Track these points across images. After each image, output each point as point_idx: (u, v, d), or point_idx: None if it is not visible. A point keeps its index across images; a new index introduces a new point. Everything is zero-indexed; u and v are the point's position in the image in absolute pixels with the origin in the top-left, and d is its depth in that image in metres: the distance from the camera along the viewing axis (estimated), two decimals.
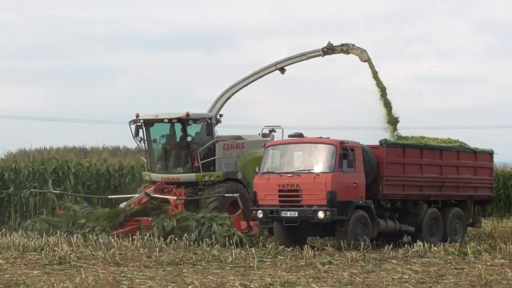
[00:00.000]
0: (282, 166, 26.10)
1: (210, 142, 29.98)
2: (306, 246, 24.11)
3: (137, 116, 29.70)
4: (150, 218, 27.93)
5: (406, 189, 27.21)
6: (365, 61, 33.61)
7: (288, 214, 25.20)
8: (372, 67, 33.53)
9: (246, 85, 34.05)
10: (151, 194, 29.03)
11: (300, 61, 34.35)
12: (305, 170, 25.46)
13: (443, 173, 28.25)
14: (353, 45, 33.60)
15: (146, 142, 30.17)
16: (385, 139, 27.58)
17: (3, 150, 43.77)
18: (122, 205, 31.20)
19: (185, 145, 29.83)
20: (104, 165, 38.60)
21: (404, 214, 27.20)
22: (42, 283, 16.40)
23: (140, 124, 29.81)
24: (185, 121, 29.53)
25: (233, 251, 23.60)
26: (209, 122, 30.18)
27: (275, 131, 32.22)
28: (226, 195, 28.40)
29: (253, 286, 16.70)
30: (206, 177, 29.56)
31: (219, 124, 31.33)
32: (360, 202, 25.36)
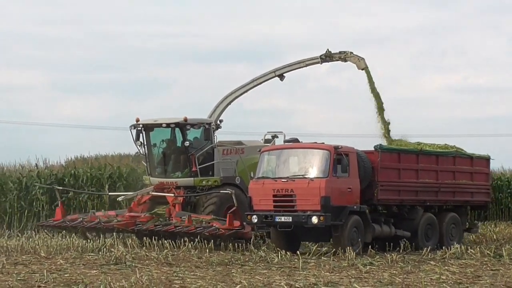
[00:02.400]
0: (277, 171, 24.95)
1: (208, 147, 28.81)
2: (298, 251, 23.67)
3: (137, 120, 28.73)
4: (146, 214, 27.32)
5: (402, 194, 26.05)
6: (362, 69, 32.13)
7: (283, 219, 24.05)
8: (369, 75, 32.29)
9: (246, 91, 32.78)
10: (151, 192, 28.35)
11: (299, 68, 32.91)
12: (299, 175, 24.36)
13: (439, 178, 27.01)
14: (351, 53, 32.22)
15: (146, 146, 29.05)
16: (380, 144, 26.38)
17: (64, 157, 44.00)
18: (119, 198, 31.26)
19: (183, 149, 28.69)
20: None
21: (400, 219, 26.08)
22: (100, 282, 16.46)
23: (140, 128, 28.70)
24: (183, 126, 28.38)
25: (279, 252, 23.57)
26: (206, 127, 28.97)
27: (277, 137, 31.10)
28: (221, 191, 27.36)
29: (298, 286, 16.64)
30: (203, 182, 28.38)
31: (219, 129, 30.43)
32: (355, 207, 24.18)
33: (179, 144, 28.63)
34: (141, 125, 28.47)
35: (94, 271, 19.72)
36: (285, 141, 26.00)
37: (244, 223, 25.46)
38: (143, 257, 22.98)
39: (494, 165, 53.70)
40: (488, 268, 20.52)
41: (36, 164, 40.57)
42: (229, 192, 26.57)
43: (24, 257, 23.21)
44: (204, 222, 25.94)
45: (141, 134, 28.53)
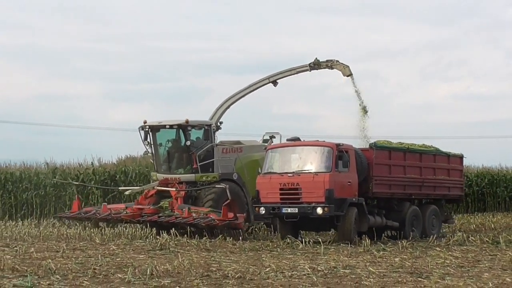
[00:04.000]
0: (282, 166, 24.34)
1: (208, 146, 28.10)
2: (300, 238, 23.73)
3: (145, 122, 28.07)
4: (151, 207, 26.99)
5: (392, 188, 25.58)
6: (347, 76, 30.80)
7: (289, 210, 23.53)
8: (353, 81, 31.14)
9: (243, 96, 31.71)
10: (156, 187, 27.96)
11: (290, 75, 31.78)
12: (304, 170, 23.81)
13: (422, 174, 26.58)
14: (337, 61, 30.96)
15: (152, 146, 28.50)
16: (375, 142, 25.64)
17: (115, 156, 44.17)
18: (126, 192, 31.08)
19: (185, 148, 28.10)
20: None
21: (389, 211, 25.58)
22: (147, 265, 16.49)
23: (147, 129, 28.10)
24: (184, 127, 27.83)
25: (303, 239, 23.54)
26: (206, 128, 28.41)
27: (274, 137, 30.43)
28: (216, 186, 26.92)
29: (320, 269, 16.60)
30: (203, 178, 27.76)
31: (219, 130, 29.90)
32: (354, 199, 23.77)
33: (181, 143, 28.16)
34: (148, 127, 28.00)
35: (142, 256, 19.78)
36: (287, 140, 25.38)
37: (238, 215, 25.06)
38: (185, 243, 23.02)
39: (493, 163, 53.54)
40: (487, 253, 20.40)
41: (92, 163, 40.76)
42: (224, 186, 26.32)
43: (81, 243, 23.32)
44: (202, 214, 25.53)
45: (148, 135, 28.10)
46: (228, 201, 25.62)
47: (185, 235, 24.68)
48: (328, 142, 24.38)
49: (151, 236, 24.66)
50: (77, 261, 18.00)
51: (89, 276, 15.39)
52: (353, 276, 15.62)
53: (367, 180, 24.45)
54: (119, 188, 34.66)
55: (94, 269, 16.38)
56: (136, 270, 16.06)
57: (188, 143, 27.68)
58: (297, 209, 23.38)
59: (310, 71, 31.36)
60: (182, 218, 25.57)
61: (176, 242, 23.18)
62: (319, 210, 22.97)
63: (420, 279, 15.06)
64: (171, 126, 27.97)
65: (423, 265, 17.39)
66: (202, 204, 26.87)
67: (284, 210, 23.51)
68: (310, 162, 23.95)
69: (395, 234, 25.92)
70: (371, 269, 16.40)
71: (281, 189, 23.74)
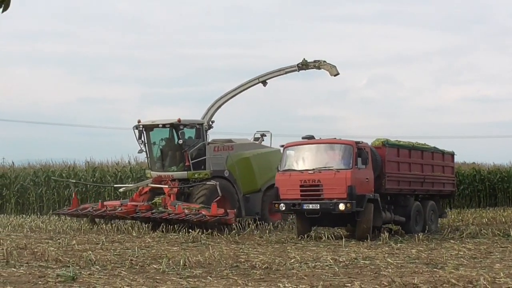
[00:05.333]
0: (302, 164, 23.15)
1: (200, 144, 27.55)
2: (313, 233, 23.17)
3: (139, 122, 27.56)
4: (145, 203, 26.45)
5: (400, 184, 24.71)
6: (334, 75, 29.88)
7: (310, 206, 22.47)
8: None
9: (234, 95, 30.65)
10: (150, 184, 27.59)
11: (279, 75, 30.61)
12: (326, 167, 22.71)
13: (423, 171, 25.79)
14: (324, 61, 29.94)
15: (146, 144, 27.84)
16: (387, 140, 24.59)
17: None
18: (120, 190, 30.91)
19: (178, 147, 27.39)
20: None
21: (396, 206, 24.70)
22: (180, 257, 16.53)
23: (141, 129, 27.47)
24: (177, 126, 27.16)
25: (325, 232, 23.48)
26: (198, 127, 27.85)
27: (265, 135, 29.96)
28: (207, 183, 26.25)
29: (341, 260, 16.55)
30: (195, 175, 27.20)
31: (211, 129, 29.30)
32: (371, 195, 22.84)
33: (174, 142, 27.54)
34: (142, 126, 27.46)
35: (176, 248, 19.83)
36: (302, 138, 24.29)
37: (228, 211, 24.66)
38: (215, 236, 23.05)
39: (503, 161, 53.20)
40: (498, 246, 20.22)
41: (129, 161, 40.96)
42: (214, 183, 25.75)
43: (119, 236, 23.43)
44: (193, 210, 24.91)
45: (142, 134, 27.51)
46: (219, 197, 25.06)
47: (215, 229, 24.73)
48: (348, 139, 23.79)
49: (184, 230, 24.71)
50: (115, 253, 18.09)
51: (127, 267, 15.44)
52: (373, 266, 15.57)
53: (379, 177, 23.78)
54: (114, 185, 34.52)
55: (131, 260, 16.45)
56: (170, 261, 16.11)
57: (181, 141, 27.00)
58: (318, 205, 22.46)
59: (298, 71, 30.41)
60: (174, 214, 24.97)
61: (207, 235, 23.22)
62: (341, 206, 22.11)
63: (435, 269, 14.98)
64: (164, 125, 27.36)
65: (438, 256, 17.29)
66: (194, 200, 26.24)
67: (305, 206, 22.58)
68: (331, 159, 23.07)
69: (398, 229, 25.14)
70: (389, 260, 16.34)
71: (301, 186, 22.78)
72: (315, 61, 30.02)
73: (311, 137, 23.86)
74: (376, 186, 23.38)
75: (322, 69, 30.02)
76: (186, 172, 27.18)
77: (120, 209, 26.41)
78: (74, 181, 34.74)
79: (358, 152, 22.71)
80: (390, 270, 14.85)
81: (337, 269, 14.98)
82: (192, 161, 27.17)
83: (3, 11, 5.57)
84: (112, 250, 18.78)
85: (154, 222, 25.82)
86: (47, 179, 38.97)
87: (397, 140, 25.65)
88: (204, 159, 27.52)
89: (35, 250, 18.50)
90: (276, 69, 30.73)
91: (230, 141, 29.35)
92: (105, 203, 27.57)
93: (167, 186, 26.72)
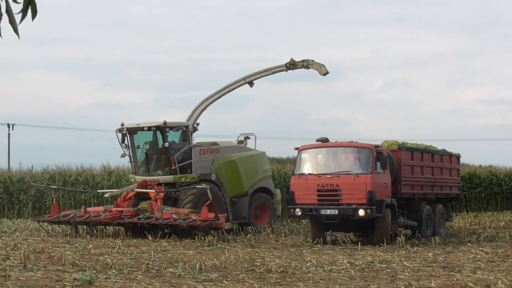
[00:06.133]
0: (319, 167, 22.35)
1: (186, 147, 26.63)
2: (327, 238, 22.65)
3: (122, 125, 26.52)
4: (131, 209, 25.49)
5: (414, 188, 23.97)
6: (324, 75, 28.83)
7: (328, 212, 21.60)
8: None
9: (220, 97, 29.37)
10: (135, 189, 26.55)
11: (266, 75, 29.37)
12: (344, 172, 21.87)
13: (434, 174, 25.05)
14: (313, 60, 28.81)
15: (130, 148, 26.84)
16: (403, 143, 23.82)
17: None
18: (106, 195, 29.58)
19: (163, 150, 26.47)
20: None
21: (408, 211, 23.77)
22: (196, 260, 16.55)
23: (125, 132, 26.50)
24: (162, 128, 26.25)
25: (341, 236, 23.42)
26: (184, 130, 26.88)
27: (249, 138, 29.08)
28: (197, 186, 25.46)
29: (357, 263, 16.52)
30: (182, 179, 26.29)
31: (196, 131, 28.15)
32: (389, 200, 22.02)
33: (159, 145, 26.71)
34: (125, 129, 26.53)
35: (191, 252, 19.85)
36: (317, 140, 23.16)
37: (219, 215, 23.84)
38: (231, 240, 23.04)
39: None
40: None
41: None
42: (205, 186, 25.03)
43: (135, 240, 23.47)
44: (182, 215, 24.07)
45: (125, 137, 26.60)
46: (209, 201, 24.39)
47: (231, 233, 24.72)
48: (367, 143, 22.91)
49: (199, 234, 24.73)
50: (131, 257, 18.13)
51: (143, 271, 15.48)
52: (389, 270, 15.53)
53: (395, 181, 22.98)
54: (98, 190, 33.94)
55: (147, 264, 16.48)
56: (186, 265, 16.13)
57: (167, 144, 26.24)
58: (337, 210, 21.60)
59: (286, 71, 29.23)
60: (162, 219, 24.21)
61: (222, 239, 23.22)
62: (361, 212, 21.27)
63: (452, 273, 14.93)
64: (149, 128, 26.42)
65: (455, 260, 17.23)
66: (181, 205, 25.45)
67: (322, 212, 21.72)
68: (349, 163, 22.24)
69: (409, 233, 24.46)
70: (406, 264, 16.29)
71: (318, 190, 21.94)
72: (303, 61, 28.95)
73: (325, 140, 23.18)
74: (392, 190, 22.70)
75: (311, 69, 29.00)
76: (172, 176, 26.36)
77: (104, 215, 25.61)
78: (54, 186, 33.93)
79: (377, 156, 22.01)
80: (406, 273, 14.80)
81: (353, 273, 14.95)
82: (178, 165, 26.37)
83: (33, 19, 5.62)
84: (128, 254, 18.82)
85: (141, 228, 24.91)
86: (62, 183, 39.14)
87: (404, 143, 25.22)
88: (190, 163, 26.71)
89: (52, 254, 18.56)
90: (263, 69, 29.61)
91: (215, 143, 28.62)
92: (88, 209, 26.77)
93: (153, 191, 25.88)
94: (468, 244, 21.38)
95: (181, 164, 26.44)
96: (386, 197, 21.94)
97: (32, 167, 43.53)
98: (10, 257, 17.92)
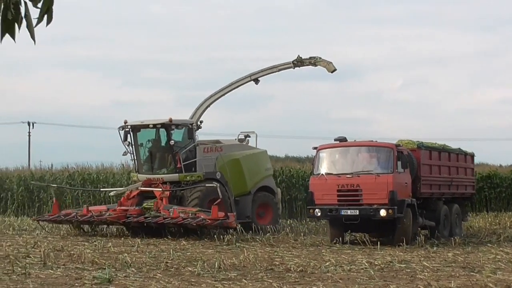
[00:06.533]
0: (339, 167, 21.97)
1: (191, 145, 26.10)
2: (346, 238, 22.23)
3: (125, 122, 26.02)
4: (136, 208, 24.90)
5: (432, 188, 23.47)
6: (332, 72, 28.34)
7: (349, 212, 21.23)
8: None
9: (224, 94, 28.91)
10: (140, 188, 25.84)
11: (272, 72, 28.86)
12: (365, 171, 21.50)
13: (450, 173, 24.58)
14: (320, 58, 28.38)
15: (134, 146, 26.31)
16: (422, 142, 23.41)
17: None
18: (111, 193, 28.88)
19: (168, 148, 25.99)
20: None
21: (426, 211, 23.23)
22: (215, 259, 16.57)
23: (128, 129, 25.95)
24: (168, 126, 25.73)
25: (360, 236, 23.35)
26: (190, 127, 26.26)
27: (249, 136, 28.45)
28: (207, 185, 24.97)
29: (376, 263, 16.47)
30: (187, 177, 25.74)
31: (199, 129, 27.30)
32: (410, 200, 21.65)
33: (164, 143, 26.17)
34: (129, 126, 25.99)
35: (210, 251, 19.86)
36: (335, 140, 22.72)
37: (229, 214, 23.45)
38: (249, 239, 23.03)
39: None
40: None
41: None
42: (215, 185, 24.50)
43: (154, 238, 23.50)
44: (190, 214, 23.59)
45: (129, 135, 26.03)
46: (219, 200, 23.91)
47: (250, 232, 24.72)
48: (387, 142, 22.55)
49: (218, 233, 24.73)
50: (150, 255, 18.18)
51: (162, 269, 15.51)
52: (408, 270, 15.47)
53: (414, 181, 22.42)
54: (101, 189, 33.69)
55: (166, 262, 16.51)
56: (205, 264, 16.14)
57: (172, 142, 25.69)
58: (358, 211, 21.21)
59: (293, 68, 28.73)
60: (170, 218, 23.70)
61: (242, 238, 23.22)
62: (383, 212, 20.88)
63: (472, 273, 14.85)
64: (154, 126, 26.03)
65: (475, 260, 17.14)
66: (187, 203, 25.04)
67: (343, 212, 21.35)
68: (369, 162, 21.83)
69: (428, 234, 23.56)
70: (426, 264, 16.23)
71: (338, 191, 21.54)
72: (310, 58, 28.60)
73: (344, 139, 22.73)
74: (411, 190, 22.33)
75: (319, 66, 28.54)
76: (177, 174, 25.84)
77: (108, 214, 25.00)
78: (55, 185, 33.45)
79: (398, 155, 21.65)
80: (426, 273, 14.74)
81: (373, 273, 14.91)
82: (183, 163, 25.88)
83: (47, 25, 5.66)
84: (147, 253, 18.87)
85: (144, 228, 24.56)
86: (82, 182, 39.32)
87: (419, 142, 24.89)
88: (194, 161, 26.26)
89: (72, 252, 18.65)
90: (269, 67, 29.06)
91: (218, 142, 28.07)
92: (90, 208, 26.23)
93: (160, 189, 25.27)
94: (488, 245, 21.27)
95: (186, 163, 25.98)
96: (406, 197, 21.61)
97: (51, 165, 43.83)
98: (30, 255, 18.03)
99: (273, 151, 61.35)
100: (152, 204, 24.95)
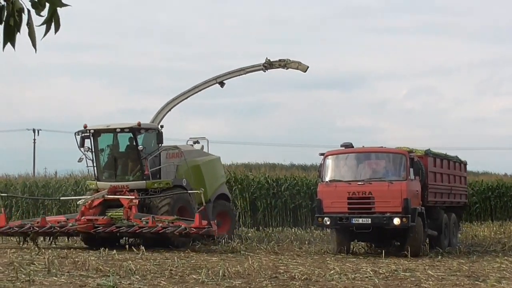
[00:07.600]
0: (349, 174, 21.15)
1: (157, 152, 24.91)
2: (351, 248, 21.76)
3: (85, 126, 24.45)
4: (104, 217, 23.43)
5: (437, 196, 22.87)
6: (305, 71, 27.66)
7: (360, 220, 20.34)
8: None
9: (187, 97, 27.89)
10: (106, 196, 24.15)
11: (239, 75, 27.98)
12: (377, 178, 20.77)
13: (450, 181, 24.12)
14: (289, 60, 27.69)
15: (94, 152, 24.74)
16: (429, 149, 22.75)
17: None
18: (80, 202, 25.14)
19: (135, 153, 24.55)
20: (263, 177, 38.68)
21: (429, 220, 22.32)
22: (219, 267, 16.54)
23: (87, 134, 24.41)
24: (136, 130, 24.44)
25: (365, 245, 23.31)
26: (159, 132, 24.92)
27: (199, 142, 27.45)
28: (189, 191, 24.12)
29: (381, 272, 16.44)
30: (155, 184, 24.47)
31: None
32: (420, 209, 20.95)
33: (130, 148, 24.80)
34: (90, 131, 24.49)
35: (215, 258, 19.85)
36: (341, 146, 21.92)
37: (211, 222, 22.25)
38: (254, 247, 23.01)
39: None
40: None
41: None
42: (199, 191, 23.20)
43: (158, 246, 23.46)
44: (167, 222, 22.33)
45: (87, 140, 24.55)
46: (203, 207, 22.95)
47: (255, 240, 24.68)
48: (399, 148, 21.72)
49: (223, 241, 24.71)
50: (155, 263, 18.17)
51: (166, 277, 15.50)
52: (413, 279, 15.43)
53: (422, 188, 21.65)
54: (61, 198, 32.56)
55: (171, 270, 16.50)
56: (210, 272, 16.12)
57: (141, 147, 24.38)
58: (370, 219, 20.35)
59: (264, 71, 27.91)
60: (148, 228, 22.30)
61: (246, 246, 23.19)
62: (396, 221, 20.05)
63: (477, 282, 14.81)
64: (122, 130, 24.57)
65: (480, 269, 17.10)
66: (158, 211, 23.78)
67: (354, 221, 20.44)
68: (381, 169, 21.08)
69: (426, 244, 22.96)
70: (430, 272, 16.19)
71: (349, 198, 20.64)
72: (280, 60, 27.77)
73: (350, 145, 21.93)
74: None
75: (290, 69, 27.81)
76: (144, 181, 24.52)
77: (71, 224, 23.36)
78: (5, 194, 32.36)
79: (410, 162, 20.90)
80: (431, 282, 14.71)
81: (377, 281, 14.87)
82: (150, 170, 24.64)
83: (55, 32, 5.67)
84: (151, 260, 18.87)
85: (100, 238, 23.29)
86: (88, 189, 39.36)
87: (419, 150, 24.58)
88: (159, 168, 25.16)
89: (76, 259, 18.65)
90: (236, 69, 28.18)
91: (176, 147, 26.79)
92: (47, 218, 24.49)
93: (132, 197, 23.87)
94: (493, 253, 21.23)
95: (153, 169, 24.80)
96: (417, 205, 20.94)
97: (56, 172, 43.86)
98: (35, 262, 18.03)
99: (278, 159, 61.24)
100: (120, 213, 23.58)
